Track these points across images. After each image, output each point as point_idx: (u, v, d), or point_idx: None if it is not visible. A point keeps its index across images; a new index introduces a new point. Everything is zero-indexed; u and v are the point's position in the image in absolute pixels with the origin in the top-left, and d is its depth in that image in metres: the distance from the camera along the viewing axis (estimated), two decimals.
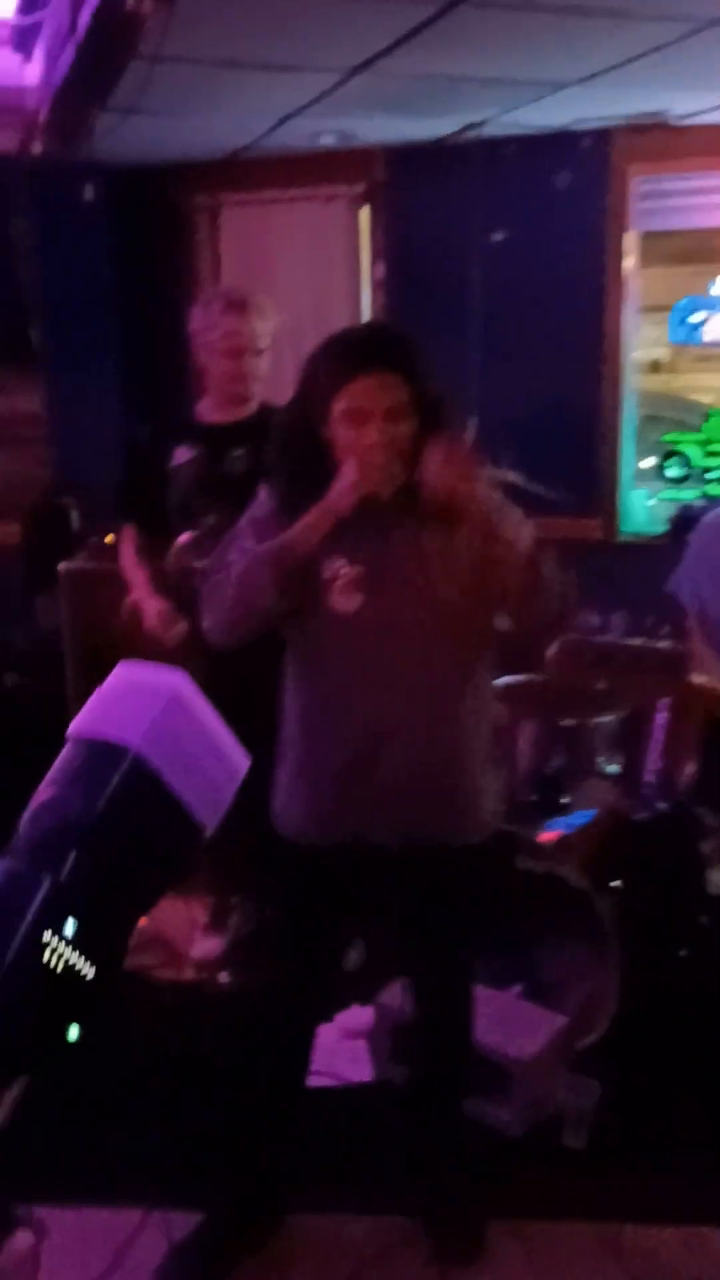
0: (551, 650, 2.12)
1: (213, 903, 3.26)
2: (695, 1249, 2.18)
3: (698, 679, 2.97)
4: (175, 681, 0.97)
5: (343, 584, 1.89)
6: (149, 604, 2.92)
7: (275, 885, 2.14)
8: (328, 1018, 2.26)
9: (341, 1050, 2.67)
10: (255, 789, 2.91)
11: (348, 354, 1.89)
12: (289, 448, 1.98)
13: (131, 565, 3.00)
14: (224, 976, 3.09)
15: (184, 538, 2.84)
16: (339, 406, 1.86)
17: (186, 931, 3.26)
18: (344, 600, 1.89)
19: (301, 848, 2.04)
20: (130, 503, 3.04)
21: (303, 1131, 2.24)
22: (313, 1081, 2.29)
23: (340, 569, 1.90)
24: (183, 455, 2.91)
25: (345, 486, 1.85)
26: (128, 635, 2.97)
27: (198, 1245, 2.15)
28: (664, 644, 2.23)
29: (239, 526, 2.01)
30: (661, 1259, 2.16)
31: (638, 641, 2.24)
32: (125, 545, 3.03)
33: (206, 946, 3.18)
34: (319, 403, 1.89)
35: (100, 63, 2.97)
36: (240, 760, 0.98)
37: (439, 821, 2.03)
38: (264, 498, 2.00)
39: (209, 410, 2.98)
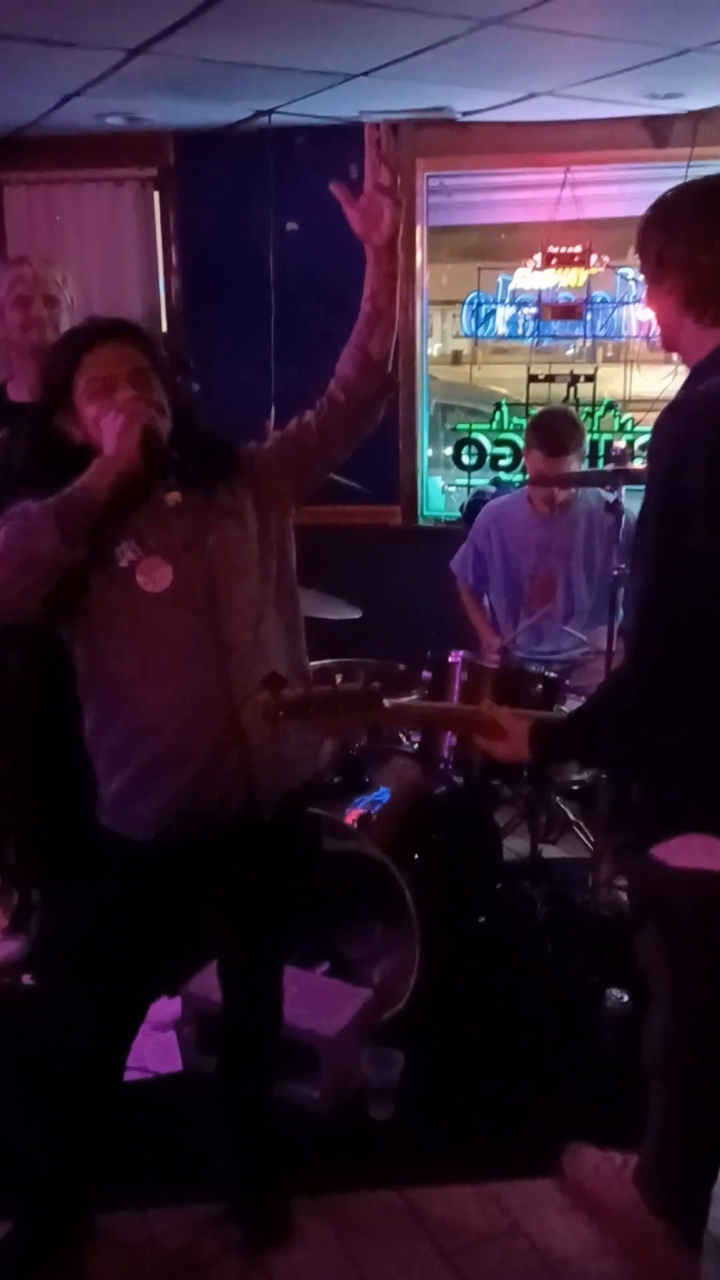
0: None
1: (13, 904, 3.18)
2: (488, 1203, 2.27)
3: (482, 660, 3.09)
4: None
5: (144, 564, 1.87)
6: None
7: (107, 886, 2.06)
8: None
9: (150, 1042, 2.64)
10: (57, 793, 2.85)
11: (79, 335, 1.98)
12: (41, 452, 1.96)
13: None
14: (25, 978, 3.01)
15: None
16: (82, 382, 1.89)
17: None
18: (150, 580, 1.87)
19: (140, 844, 1.98)
20: None
21: (112, 1129, 2.19)
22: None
23: (132, 552, 1.88)
24: None
25: (119, 429, 1.83)
26: None
27: (1, 1255, 2.08)
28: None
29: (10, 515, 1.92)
30: (459, 1217, 2.23)
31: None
32: None
33: (6, 949, 3.10)
34: (61, 389, 1.91)
35: None
36: None
37: (295, 771, 2.06)
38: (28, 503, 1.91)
39: (18, 389, 2.93)
